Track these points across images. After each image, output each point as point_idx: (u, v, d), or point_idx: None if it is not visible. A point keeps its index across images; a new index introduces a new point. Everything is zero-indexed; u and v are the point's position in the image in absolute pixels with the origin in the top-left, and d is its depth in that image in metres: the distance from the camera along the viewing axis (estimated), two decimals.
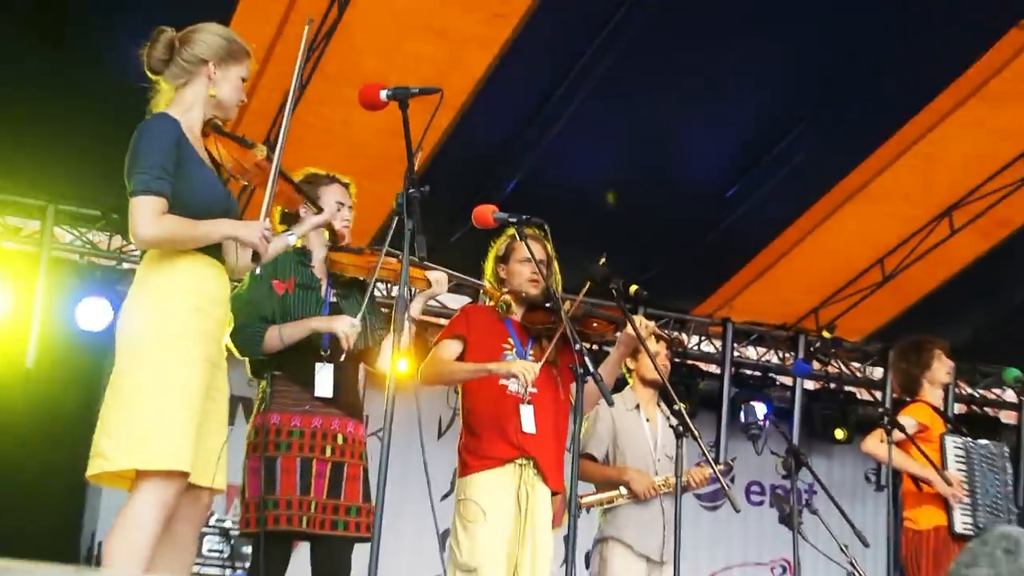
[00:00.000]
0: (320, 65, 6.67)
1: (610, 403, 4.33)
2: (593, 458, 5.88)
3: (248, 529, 4.52)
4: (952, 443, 6.19)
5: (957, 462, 6.16)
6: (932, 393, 6.39)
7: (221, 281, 3.77)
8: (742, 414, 5.69)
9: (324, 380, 4.59)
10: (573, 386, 4.45)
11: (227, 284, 3.81)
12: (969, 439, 6.30)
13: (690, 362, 9.76)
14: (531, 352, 5.03)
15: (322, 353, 4.60)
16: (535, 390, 4.91)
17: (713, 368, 9.84)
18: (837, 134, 7.57)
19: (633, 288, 4.59)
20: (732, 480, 9.84)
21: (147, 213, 3.57)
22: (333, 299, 4.75)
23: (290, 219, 4.56)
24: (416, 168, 8.29)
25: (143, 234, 3.59)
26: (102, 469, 3.56)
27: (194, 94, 3.79)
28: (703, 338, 9.92)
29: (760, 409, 5.62)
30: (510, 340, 5.00)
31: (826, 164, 7.95)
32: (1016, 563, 1.87)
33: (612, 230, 7.97)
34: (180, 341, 3.60)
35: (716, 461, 8.67)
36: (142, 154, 3.63)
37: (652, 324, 5.08)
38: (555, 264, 5.01)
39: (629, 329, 4.85)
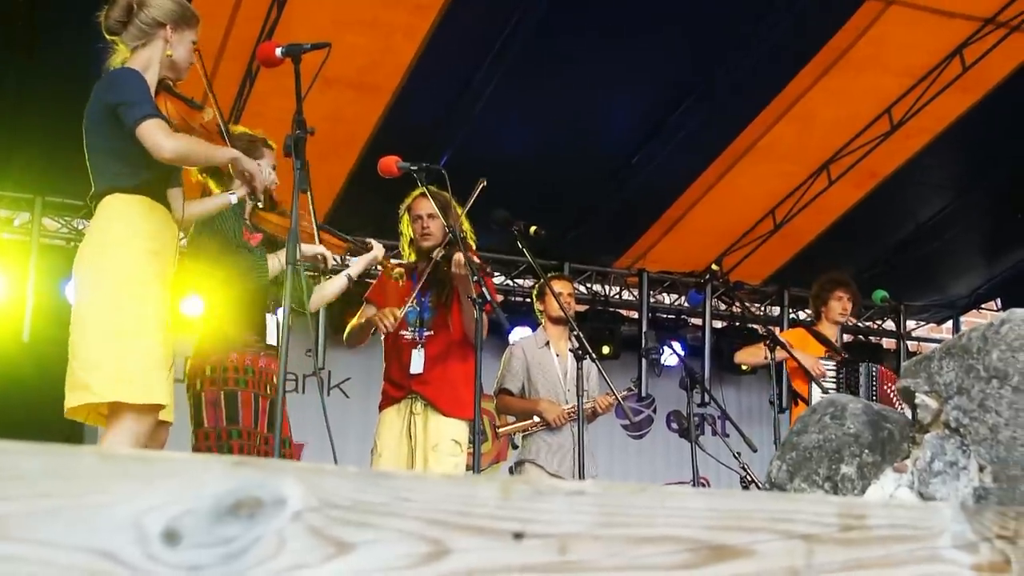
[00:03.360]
0: None
1: (506, 326, 4.57)
2: (510, 392, 6.08)
3: None
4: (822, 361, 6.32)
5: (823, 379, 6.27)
6: (826, 325, 6.59)
7: (171, 226, 3.76)
8: (643, 340, 5.97)
9: (273, 329, 4.64)
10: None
11: (175, 229, 3.80)
12: (837, 358, 6.43)
13: (612, 309, 9.92)
14: (430, 301, 5.10)
15: (268, 304, 4.67)
16: (430, 333, 5.03)
17: (633, 314, 9.98)
18: (723, 103, 7.80)
19: (532, 229, 4.67)
20: (655, 411, 10.15)
21: (163, 131, 3.51)
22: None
23: (214, 173, 4.42)
24: (358, 149, 8.50)
25: (168, 147, 3.50)
26: (86, 400, 3.53)
27: (150, 55, 3.74)
28: (622, 288, 10.09)
29: (651, 336, 5.86)
30: (412, 292, 5.06)
31: (716, 130, 8.17)
32: (842, 427, 1.77)
33: (536, 196, 8.20)
34: (145, 284, 3.59)
35: (638, 397, 9.06)
36: (129, 91, 3.58)
37: (459, 257, 4.79)
38: (454, 209, 4.93)
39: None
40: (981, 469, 1.51)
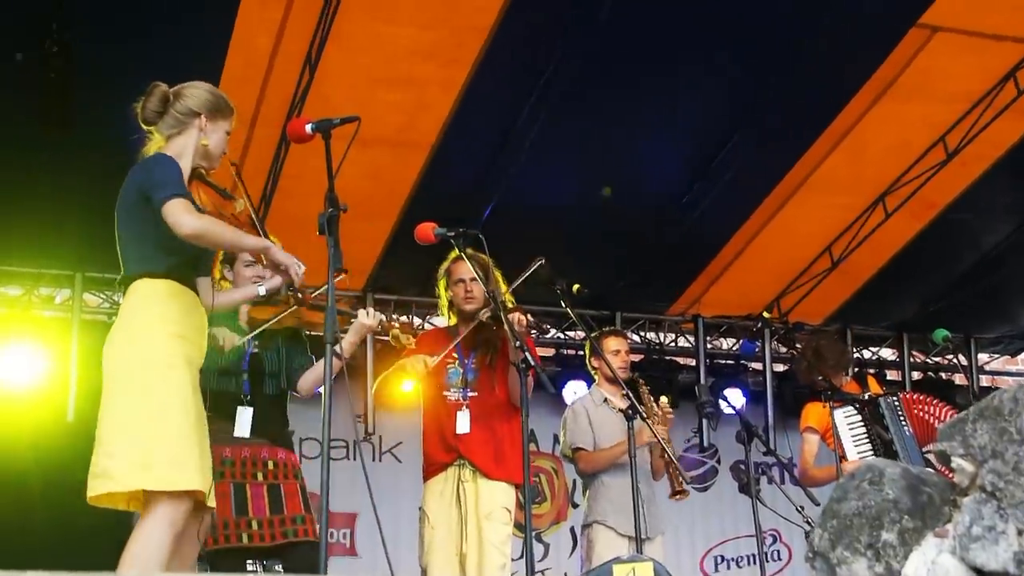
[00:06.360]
0: None
1: (551, 391, 4.60)
2: (585, 449, 6.07)
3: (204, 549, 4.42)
4: (841, 414, 6.05)
5: (850, 428, 6.03)
6: (836, 379, 6.31)
7: (199, 312, 3.81)
8: (696, 392, 5.90)
9: (243, 421, 4.72)
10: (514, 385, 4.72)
11: (204, 315, 3.84)
12: (857, 400, 6.12)
13: (668, 357, 9.86)
14: (473, 362, 5.24)
15: (242, 397, 4.74)
16: (475, 394, 5.14)
17: (690, 361, 9.89)
18: (771, 139, 7.81)
19: (576, 287, 4.76)
20: (718, 461, 10.08)
21: (185, 209, 3.59)
22: (254, 350, 4.84)
23: (230, 260, 4.69)
24: (399, 207, 8.57)
25: (187, 225, 3.57)
26: (109, 489, 3.53)
27: (184, 143, 3.84)
28: (678, 335, 10.02)
29: (704, 390, 5.78)
30: (454, 354, 5.22)
31: (765, 166, 8.18)
32: (880, 493, 1.82)
33: (584, 245, 8.25)
34: (171, 368, 3.61)
35: (700, 448, 9.07)
36: (161, 174, 3.68)
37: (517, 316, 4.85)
38: (493, 273, 5.03)
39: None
40: (1020, 533, 1.53)
